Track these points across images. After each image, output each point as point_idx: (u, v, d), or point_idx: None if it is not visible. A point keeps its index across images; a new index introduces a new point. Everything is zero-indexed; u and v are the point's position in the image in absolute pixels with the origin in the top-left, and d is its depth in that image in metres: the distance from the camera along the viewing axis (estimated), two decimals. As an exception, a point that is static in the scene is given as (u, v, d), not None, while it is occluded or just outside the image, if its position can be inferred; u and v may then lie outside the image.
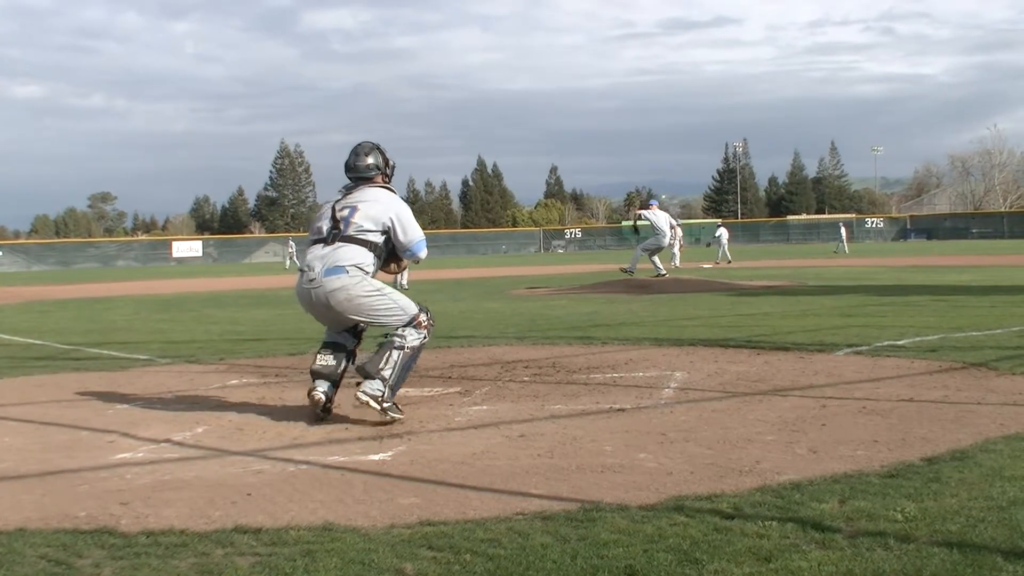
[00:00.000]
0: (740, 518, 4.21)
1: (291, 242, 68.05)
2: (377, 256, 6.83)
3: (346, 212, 6.82)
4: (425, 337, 6.85)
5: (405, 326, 6.74)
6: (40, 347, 13.02)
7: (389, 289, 6.85)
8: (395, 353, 6.66)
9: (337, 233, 6.75)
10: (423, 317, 6.82)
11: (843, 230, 60.89)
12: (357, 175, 7.03)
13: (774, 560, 3.67)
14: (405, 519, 4.39)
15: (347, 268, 6.65)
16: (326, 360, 6.85)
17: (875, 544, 3.82)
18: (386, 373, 6.59)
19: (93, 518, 4.54)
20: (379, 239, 6.81)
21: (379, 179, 7.06)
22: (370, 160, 7.01)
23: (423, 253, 6.97)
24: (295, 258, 61.38)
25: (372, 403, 6.52)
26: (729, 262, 42.06)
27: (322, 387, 6.76)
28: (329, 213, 6.89)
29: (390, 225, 6.81)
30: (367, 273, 6.74)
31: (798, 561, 3.66)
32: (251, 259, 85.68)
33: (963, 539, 3.84)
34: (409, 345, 6.71)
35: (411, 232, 6.87)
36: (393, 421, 6.60)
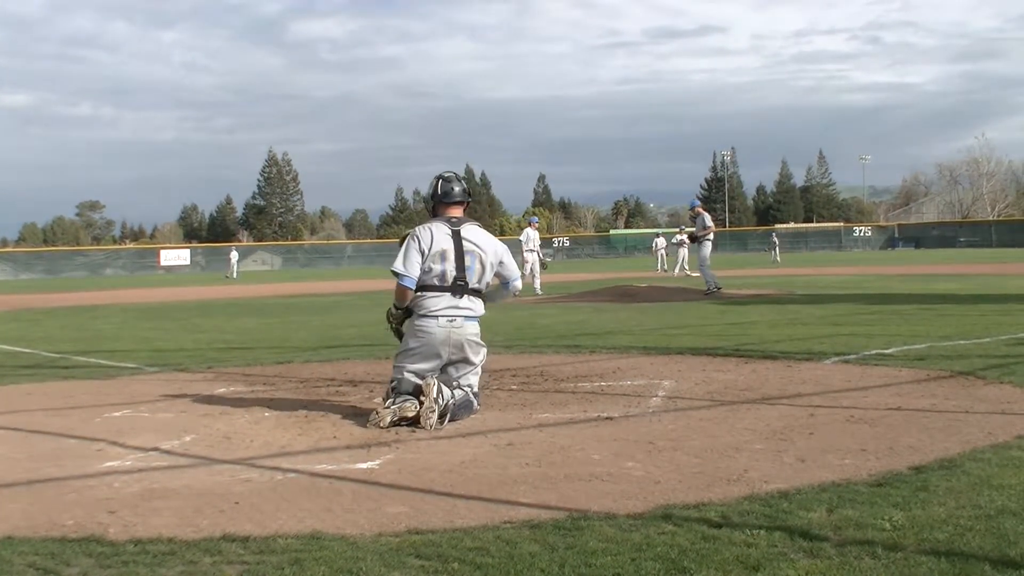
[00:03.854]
0: (728, 527, 4.22)
1: (234, 251, 69.18)
2: None
3: (468, 260, 7.15)
4: (477, 409, 7.24)
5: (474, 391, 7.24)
6: (28, 355, 12.98)
7: None
8: (458, 393, 7.06)
9: (464, 286, 7.13)
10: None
11: (775, 240, 63.20)
12: (453, 200, 7.36)
13: (762, 569, 3.68)
14: (393, 528, 4.39)
15: (477, 319, 7.24)
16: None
17: (863, 553, 3.83)
18: (457, 394, 7.03)
19: (81, 526, 4.53)
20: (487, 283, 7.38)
21: (463, 207, 7.44)
22: (459, 188, 7.43)
23: (518, 284, 7.57)
24: (236, 268, 62.81)
25: (432, 388, 6.83)
26: (666, 271, 42.79)
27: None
28: (452, 257, 7.11)
29: (498, 269, 7.35)
30: None
31: (786, 570, 3.66)
32: (239, 268, 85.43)
33: (951, 548, 3.85)
34: (472, 393, 7.19)
35: (513, 269, 7.49)
36: (427, 420, 6.74)
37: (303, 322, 18.32)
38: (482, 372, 7.42)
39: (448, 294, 7.07)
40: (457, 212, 7.33)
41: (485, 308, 7.31)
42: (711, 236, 23.25)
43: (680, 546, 3.96)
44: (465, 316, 7.10)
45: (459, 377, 7.12)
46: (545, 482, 5.17)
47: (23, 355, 13.04)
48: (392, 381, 7.13)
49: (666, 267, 44.74)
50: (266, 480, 5.41)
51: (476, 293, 7.19)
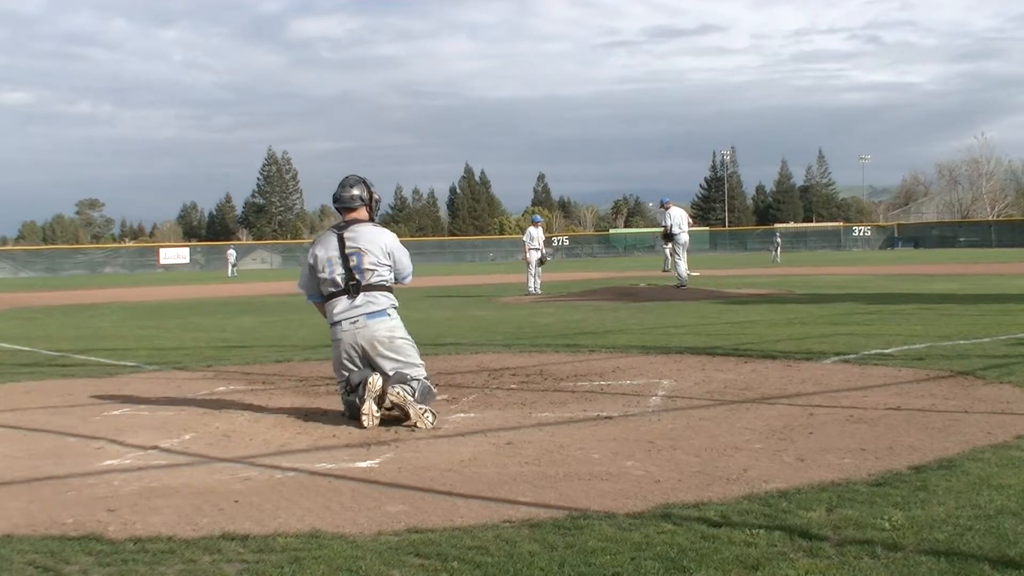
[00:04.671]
0: (727, 526, 4.22)
1: (231, 250, 69.82)
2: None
3: (355, 260, 7.12)
4: (435, 391, 7.29)
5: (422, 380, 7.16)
6: (27, 353, 12.98)
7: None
8: (416, 384, 7.02)
9: (357, 284, 7.09)
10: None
11: (779, 240, 64.50)
12: (343, 206, 7.32)
13: (761, 568, 3.68)
14: (393, 526, 4.39)
15: (387, 311, 7.15)
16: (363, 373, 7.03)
17: (863, 552, 3.82)
18: (413, 384, 6.96)
19: (81, 524, 4.53)
20: (390, 276, 7.27)
21: (364, 211, 7.36)
22: (355, 192, 7.32)
23: (409, 281, 7.51)
24: (234, 266, 63.61)
25: (405, 394, 6.79)
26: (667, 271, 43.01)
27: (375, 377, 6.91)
28: (338, 259, 7.12)
29: (390, 262, 7.24)
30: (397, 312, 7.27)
31: (785, 569, 3.66)
32: (238, 266, 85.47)
33: (951, 548, 3.84)
34: (425, 383, 7.13)
35: (404, 265, 7.37)
36: (423, 421, 6.73)
37: (302, 320, 18.30)
38: (480, 371, 7.41)
39: (344, 297, 7.12)
40: (353, 216, 7.32)
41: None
42: (675, 231, 23.35)
43: (680, 545, 3.96)
44: (366, 314, 7.07)
45: (405, 373, 7.06)
46: (544, 481, 5.17)
47: (23, 353, 13.05)
48: (341, 393, 7.21)
49: (667, 267, 44.92)
50: (265, 479, 5.41)
51: (374, 288, 7.14)
